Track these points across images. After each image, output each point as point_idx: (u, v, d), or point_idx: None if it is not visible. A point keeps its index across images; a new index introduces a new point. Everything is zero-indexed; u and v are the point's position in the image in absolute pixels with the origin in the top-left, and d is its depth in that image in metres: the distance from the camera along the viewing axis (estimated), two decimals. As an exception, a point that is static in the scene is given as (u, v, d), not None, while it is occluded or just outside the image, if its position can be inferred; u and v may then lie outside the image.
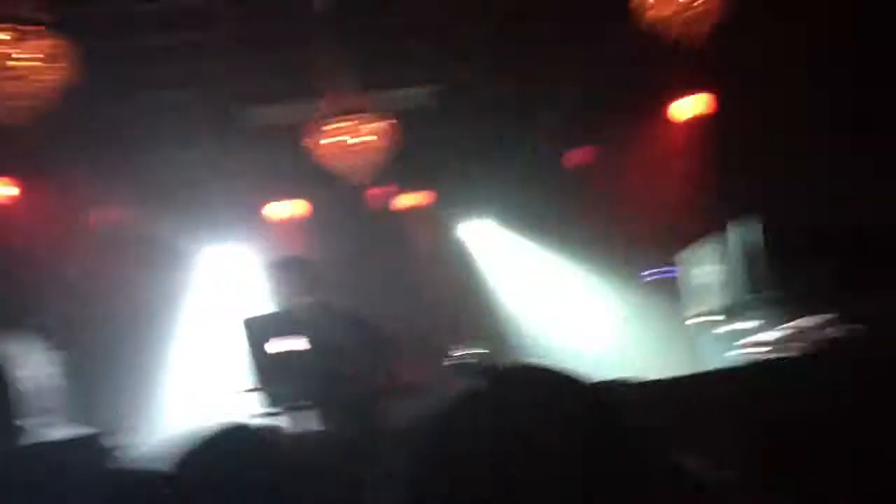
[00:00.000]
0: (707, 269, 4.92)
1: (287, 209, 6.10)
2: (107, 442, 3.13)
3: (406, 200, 6.38)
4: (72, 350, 4.22)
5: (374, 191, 5.94)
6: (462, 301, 6.17)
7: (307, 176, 5.34)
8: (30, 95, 3.23)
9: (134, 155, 5.43)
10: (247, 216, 6.02)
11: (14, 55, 3.07)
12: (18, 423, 3.20)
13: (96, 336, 5.30)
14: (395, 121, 4.61)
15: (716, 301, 4.81)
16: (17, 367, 3.43)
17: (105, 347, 5.33)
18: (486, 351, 4.15)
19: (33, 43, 3.21)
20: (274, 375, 3.42)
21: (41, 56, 3.21)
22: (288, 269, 3.76)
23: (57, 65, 3.28)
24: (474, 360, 3.93)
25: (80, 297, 5.32)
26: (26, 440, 3.22)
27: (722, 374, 3.71)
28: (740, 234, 4.55)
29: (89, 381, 4.52)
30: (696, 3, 3.82)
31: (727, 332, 4.60)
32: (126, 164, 5.43)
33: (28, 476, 2.93)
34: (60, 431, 3.58)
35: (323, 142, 4.48)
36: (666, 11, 3.81)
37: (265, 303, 3.87)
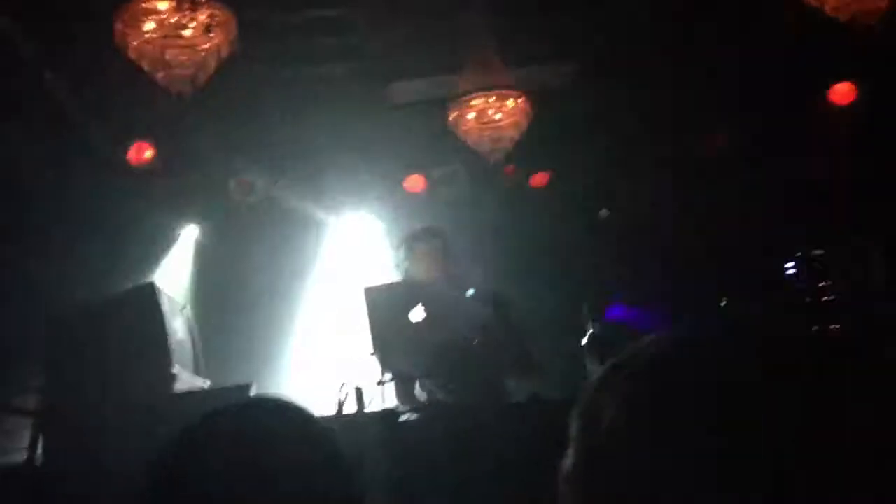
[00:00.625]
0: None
1: (426, 182, 6.16)
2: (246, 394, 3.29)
3: (541, 179, 6.33)
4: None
5: (511, 168, 5.94)
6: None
7: (448, 150, 5.38)
8: (195, 64, 3.39)
9: (276, 125, 5.59)
10: (388, 187, 6.14)
11: (183, 23, 3.21)
12: (174, 370, 3.40)
13: (231, 299, 5.57)
14: (536, 98, 4.58)
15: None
16: (169, 320, 3.63)
17: (239, 311, 5.60)
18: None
19: (198, 12, 3.35)
20: (392, 345, 3.47)
21: (206, 24, 3.35)
22: (424, 241, 3.81)
23: (220, 34, 3.43)
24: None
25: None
26: (179, 387, 3.42)
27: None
28: None
29: (223, 342, 4.75)
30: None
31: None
32: (268, 135, 5.62)
33: (179, 419, 3.11)
34: (205, 383, 3.80)
35: (466, 116, 4.50)
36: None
37: (396, 274, 3.91)
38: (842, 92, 5.67)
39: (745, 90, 5.42)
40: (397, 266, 3.89)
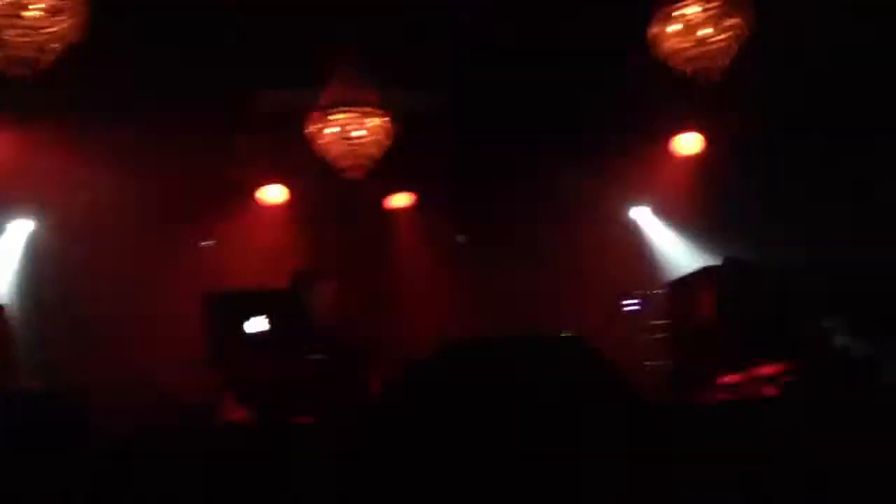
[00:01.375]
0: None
1: (281, 194, 6.09)
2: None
3: (397, 200, 6.39)
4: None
5: (368, 186, 5.96)
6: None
7: (304, 163, 5.34)
8: (37, 47, 3.22)
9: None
10: (241, 198, 6.02)
11: (26, 5, 3.05)
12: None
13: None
14: (398, 121, 4.62)
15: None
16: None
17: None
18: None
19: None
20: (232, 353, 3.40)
21: (48, 7, 3.20)
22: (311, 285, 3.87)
23: (65, 17, 3.27)
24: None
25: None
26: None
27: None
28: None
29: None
30: (713, 39, 3.85)
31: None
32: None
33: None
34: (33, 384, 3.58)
35: (326, 130, 4.48)
36: (683, 44, 3.83)
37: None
38: (685, 142, 6.01)
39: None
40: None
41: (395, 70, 5.05)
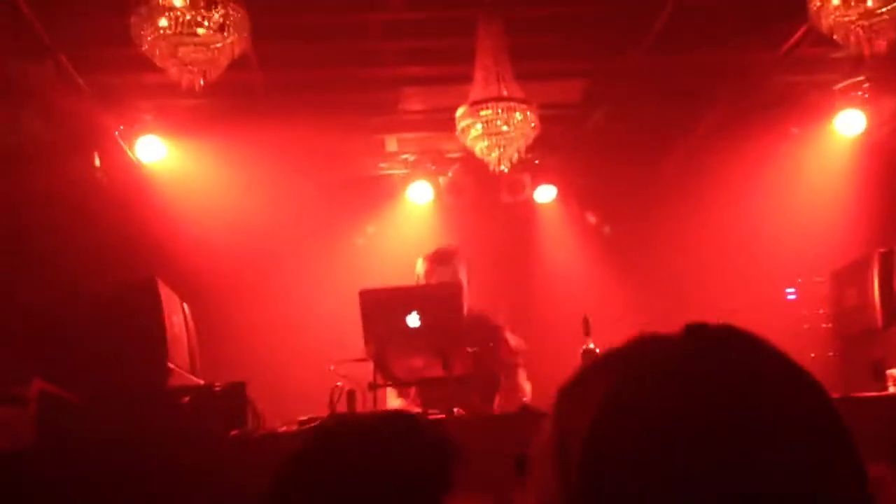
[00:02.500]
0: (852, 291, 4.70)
1: (430, 191, 6.21)
2: (242, 394, 3.31)
3: (539, 193, 6.38)
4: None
5: (514, 178, 5.99)
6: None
7: (452, 158, 5.44)
8: (207, 62, 3.43)
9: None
10: (391, 195, 6.20)
11: (200, 21, 3.25)
12: (170, 364, 3.42)
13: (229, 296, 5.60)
14: (540, 112, 4.61)
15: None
16: (169, 314, 3.66)
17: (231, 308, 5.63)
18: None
19: (214, 11, 3.39)
20: (386, 349, 3.49)
21: (221, 24, 3.39)
22: (441, 262, 3.90)
23: (233, 32, 3.46)
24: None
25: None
26: (174, 381, 3.43)
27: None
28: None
29: (220, 337, 4.79)
30: (881, 11, 3.61)
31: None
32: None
33: (171, 415, 3.14)
34: (198, 379, 3.82)
35: (474, 125, 4.52)
36: (848, 17, 3.62)
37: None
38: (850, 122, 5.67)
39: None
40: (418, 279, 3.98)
41: (537, 61, 5.06)
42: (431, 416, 3.13)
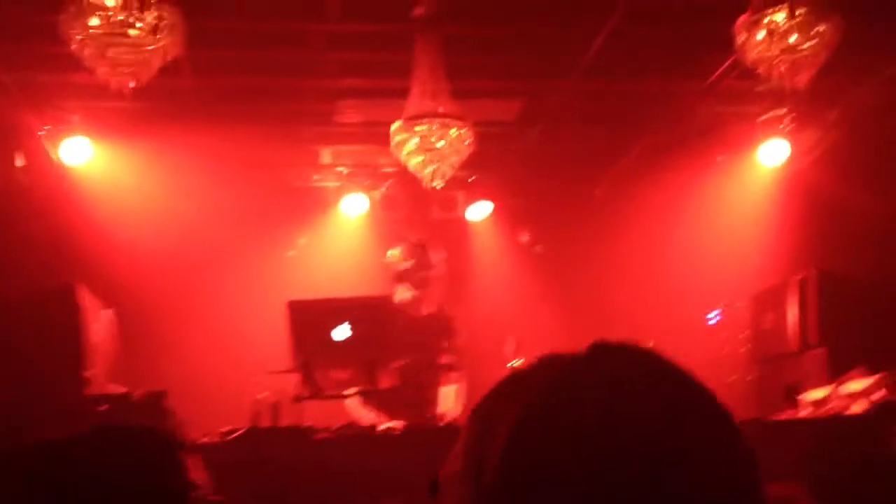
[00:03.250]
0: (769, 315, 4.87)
1: (363, 204, 6.20)
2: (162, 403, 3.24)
3: (471, 210, 6.44)
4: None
5: (445, 195, 6.02)
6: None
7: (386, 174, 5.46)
8: (138, 64, 3.36)
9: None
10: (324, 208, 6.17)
11: (132, 22, 3.19)
12: (88, 372, 3.33)
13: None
14: (475, 130, 4.66)
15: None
16: (87, 321, 3.56)
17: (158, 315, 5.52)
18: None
19: (147, 13, 3.34)
20: (314, 361, 3.47)
21: (154, 26, 3.34)
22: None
23: (167, 36, 3.41)
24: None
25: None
26: (93, 390, 3.34)
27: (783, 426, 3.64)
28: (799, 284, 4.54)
29: (142, 345, 4.68)
30: (803, 48, 3.77)
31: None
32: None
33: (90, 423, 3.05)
34: (118, 388, 3.72)
35: (409, 140, 4.54)
36: (772, 52, 3.77)
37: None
38: (772, 152, 5.88)
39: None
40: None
41: (473, 79, 5.12)
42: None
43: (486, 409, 0.72)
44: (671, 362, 0.74)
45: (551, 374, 0.71)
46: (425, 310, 4.28)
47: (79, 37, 3.23)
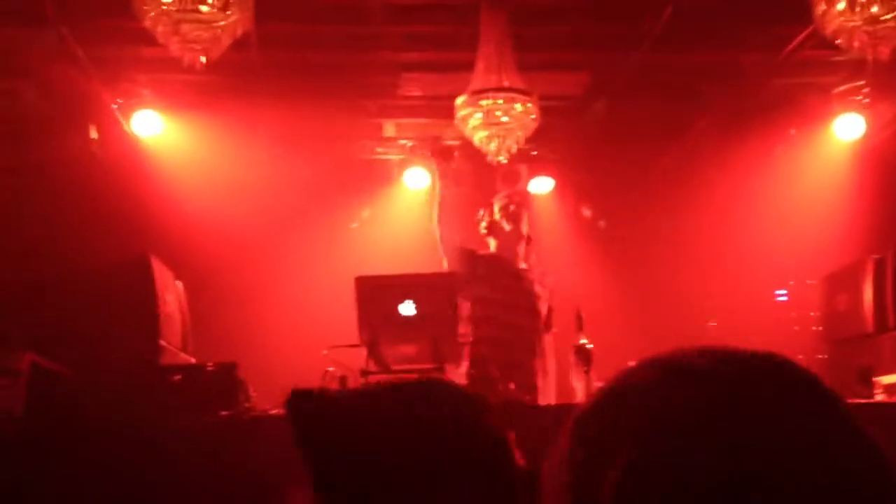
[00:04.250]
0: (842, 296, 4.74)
1: (426, 177, 6.19)
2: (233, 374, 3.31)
3: (535, 184, 6.38)
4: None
5: (510, 168, 5.98)
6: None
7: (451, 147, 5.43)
8: (210, 40, 3.40)
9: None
10: (389, 180, 6.19)
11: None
12: (162, 342, 3.42)
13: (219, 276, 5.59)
14: (541, 104, 4.61)
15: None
16: (161, 292, 3.65)
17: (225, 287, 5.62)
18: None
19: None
20: (380, 336, 3.50)
21: (224, 2, 3.37)
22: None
23: (237, 12, 3.44)
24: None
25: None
26: (166, 359, 3.43)
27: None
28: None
29: (213, 317, 4.79)
30: (886, 18, 3.62)
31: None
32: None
33: (162, 392, 3.14)
34: (190, 358, 3.81)
35: (474, 114, 4.51)
36: (853, 22, 3.63)
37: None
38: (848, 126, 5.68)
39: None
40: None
41: (539, 51, 5.05)
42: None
43: (594, 427, 0.64)
44: (822, 387, 0.63)
45: (676, 395, 0.61)
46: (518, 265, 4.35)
47: (152, 13, 3.28)
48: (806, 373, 0.64)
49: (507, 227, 4.36)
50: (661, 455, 0.59)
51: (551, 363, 4.28)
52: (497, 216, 4.42)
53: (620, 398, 0.65)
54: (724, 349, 0.65)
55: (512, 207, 4.42)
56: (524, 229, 4.42)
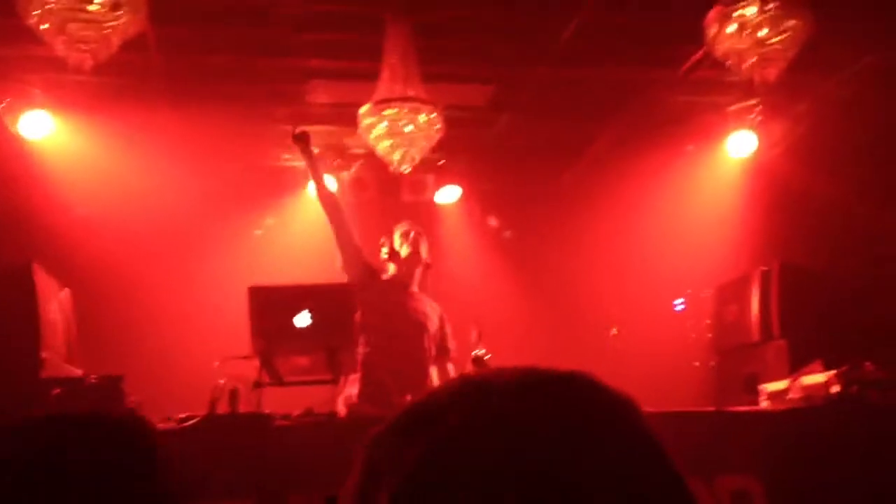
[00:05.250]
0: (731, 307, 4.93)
1: (332, 186, 6.13)
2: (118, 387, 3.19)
3: (441, 194, 6.41)
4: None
5: (414, 178, 5.99)
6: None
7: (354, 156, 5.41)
8: (98, 41, 3.29)
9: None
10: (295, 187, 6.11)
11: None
12: (43, 354, 3.27)
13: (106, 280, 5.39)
14: (446, 114, 4.63)
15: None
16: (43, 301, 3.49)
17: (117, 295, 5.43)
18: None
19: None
20: (272, 346, 3.45)
21: (114, 2, 3.26)
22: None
23: (128, 13, 3.33)
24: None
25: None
26: (48, 371, 3.28)
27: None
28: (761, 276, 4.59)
29: (100, 328, 4.62)
30: (773, 41, 3.77)
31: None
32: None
33: (44, 405, 3.00)
34: (74, 370, 3.66)
35: (378, 124, 4.49)
36: (742, 45, 3.77)
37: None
38: (740, 143, 5.90)
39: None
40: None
41: (444, 64, 5.08)
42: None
43: (389, 438, 0.65)
44: (615, 404, 0.65)
45: (465, 412, 0.62)
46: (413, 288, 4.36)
47: (36, 11, 3.15)
48: (605, 393, 0.65)
49: (406, 251, 4.36)
50: (443, 469, 0.60)
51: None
52: (397, 244, 4.41)
53: (416, 414, 0.65)
54: (532, 369, 0.66)
55: (412, 234, 4.42)
56: (423, 254, 4.41)
